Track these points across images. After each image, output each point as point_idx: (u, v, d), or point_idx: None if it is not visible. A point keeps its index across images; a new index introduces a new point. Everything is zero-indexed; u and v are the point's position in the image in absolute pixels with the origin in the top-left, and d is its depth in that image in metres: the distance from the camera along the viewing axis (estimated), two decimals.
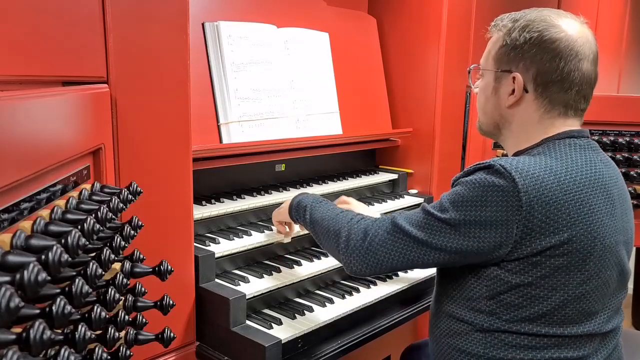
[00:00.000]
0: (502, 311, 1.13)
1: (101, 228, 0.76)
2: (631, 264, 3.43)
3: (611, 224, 1.12)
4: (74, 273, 0.68)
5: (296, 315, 1.46)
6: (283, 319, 1.44)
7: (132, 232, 0.90)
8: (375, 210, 1.83)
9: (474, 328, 1.17)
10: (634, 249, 3.31)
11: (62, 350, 0.61)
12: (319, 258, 1.70)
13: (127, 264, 0.87)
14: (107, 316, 0.73)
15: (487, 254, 1.11)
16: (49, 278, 0.55)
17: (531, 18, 1.19)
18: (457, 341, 1.20)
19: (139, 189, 1.00)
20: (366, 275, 1.27)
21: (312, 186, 2.01)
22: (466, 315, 1.18)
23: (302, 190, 1.94)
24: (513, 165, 1.08)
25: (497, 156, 2.39)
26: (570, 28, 1.17)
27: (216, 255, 1.49)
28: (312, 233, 1.43)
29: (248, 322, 1.40)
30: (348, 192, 2.07)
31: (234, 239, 1.60)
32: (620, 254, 1.17)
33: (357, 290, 1.65)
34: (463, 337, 1.19)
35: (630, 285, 3.54)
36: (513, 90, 1.21)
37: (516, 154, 1.24)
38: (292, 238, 1.69)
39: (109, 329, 0.76)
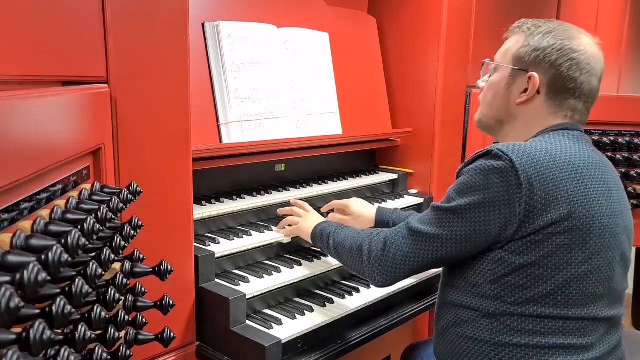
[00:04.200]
0: (507, 294, 1.15)
1: (101, 228, 0.76)
2: (631, 266, 3.42)
3: (608, 206, 1.16)
4: (74, 273, 0.68)
5: (296, 315, 1.46)
6: (283, 319, 1.44)
7: (132, 232, 0.90)
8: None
9: (480, 314, 1.19)
10: (633, 249, 3.32)
11: (62, 350, 0.61)
12: (319, 258, 1.70)
13: (127, 264, 0.87)
14: (107, 316, 0.73)
15: (495, 236, 1.14)
16: (49, 278, 0.55)
17: (554, 27, 1.27)
18: (464, 329, 1.22)
19: (139, 189, 1.00)
20: (390, 284, 1.29)
21: (312, 186, 2.01)
22: (472, 302, 1.21)
23: (302, 190, 1.94)
24: (510, 148, 1.14)
25: None
26: (587, 45, 1.25)
27: (216, 255, 1.49)
28: (336, 257, 1.46)
29: (248, 322, 1.40)
30: (348, 192, 2.07)
31: (234, 239, 1.60)
32: (621, 238, 1.19)
33: (357, 290, 1.65)
34: (470, 324, 1.21)
35: (630, 285, 3.54)
36: (526, 90, 1.27)
37: None
38: (291, 238, 1.69)
39: (109, 329, 0.76)
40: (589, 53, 1.24)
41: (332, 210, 1.86)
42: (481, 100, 1.40)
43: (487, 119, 1.38)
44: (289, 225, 1.67)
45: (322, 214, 1.86)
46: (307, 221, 1.62)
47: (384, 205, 2.06)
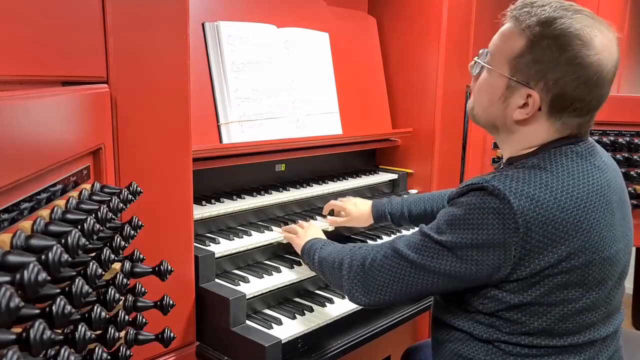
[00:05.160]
0: (502, 324, 1.12)
1: (101, 228, 0.76)
2: (631, 266, 3.42)
3: (610, 235, 1.10)
4: (74, 273, 0.68)
5: (296, 315, 1.46)
6: (283, 319, 1.44)
7: (132, 232, 0.90)
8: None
9: (474, 337, 1.16)
10: (633, 249, 3.32)
11: (62, 350, 0.61)
12: None
13: (127, 264, 0.87)
14: (107, 316, 0.73)
15: (486, 277, 1.08)
16: (49, 278, 0.55)
17: (564, 28, 1.05)
18: (458, 347, 1.20)
19: (139, 189, 1.00)
20: (369, 305, 1.23)
21: (312, 186, 2.01)
22: (465, 325, 1.17)
23: (301, 190, 1.94)
24: (507, 185, 1.04)
25: (498, 156, 2.39)
26: (602, 49, 1.06)
27: (216, 255, 1.49)
28: (320, 273, 1.40)
29: (248, 322, 1.40)
30: (348, 192, 2.07)
31: (234, 239, 1.60)
32: (621, 261, 1.15)
33: None
34: (464, 343, 1.18)
35: (630, 285, 3.54)
36: (524, 104, 1.11)
37: (510, 160, 1.20)
38: None
39: (109, 329, 0.76)
40: (602, 63, 1.05)
41: (332, 213, 1.85)
42: (473, 94, 1.23)
43: (481, 121, 1.23)
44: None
45: (322, 215, 1.86)
46: (305, 235, 1.57)
47: None
